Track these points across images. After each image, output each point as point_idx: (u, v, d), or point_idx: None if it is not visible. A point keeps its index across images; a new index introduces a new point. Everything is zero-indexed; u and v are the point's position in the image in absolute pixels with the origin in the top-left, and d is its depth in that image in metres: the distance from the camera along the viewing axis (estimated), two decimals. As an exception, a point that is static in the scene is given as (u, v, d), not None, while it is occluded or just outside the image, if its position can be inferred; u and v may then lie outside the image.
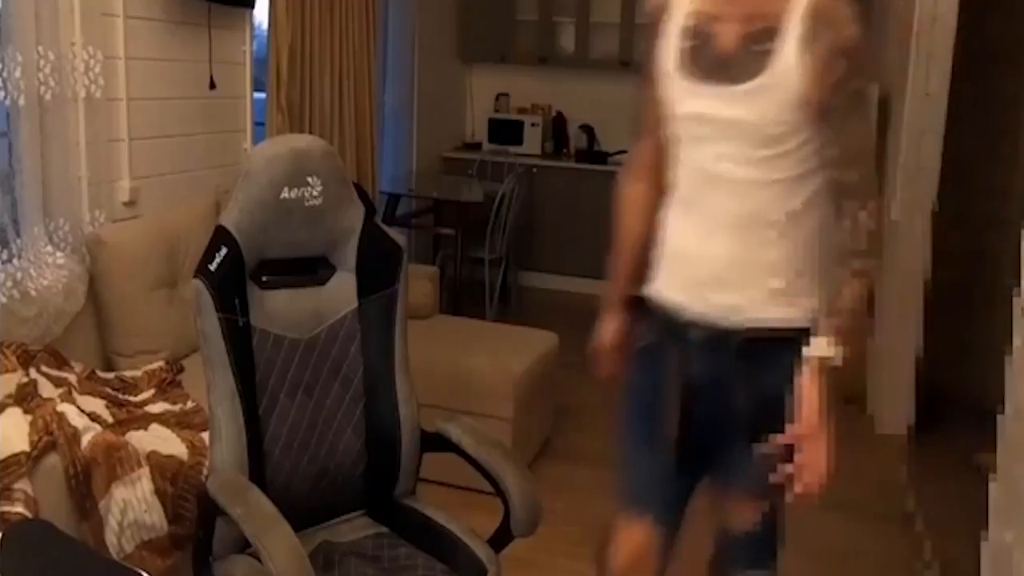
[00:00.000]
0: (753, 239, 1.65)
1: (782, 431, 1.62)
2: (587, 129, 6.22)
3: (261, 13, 4.06)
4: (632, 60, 6.09)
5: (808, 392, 1.60)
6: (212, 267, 1.87)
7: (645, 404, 1.84)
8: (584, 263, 6.04)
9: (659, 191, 1.83)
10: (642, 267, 1.86)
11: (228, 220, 1.91)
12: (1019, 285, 2.12)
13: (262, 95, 4.07)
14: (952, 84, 3.77)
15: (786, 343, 1.63)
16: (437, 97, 6.28)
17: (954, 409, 4.06)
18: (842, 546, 3.18)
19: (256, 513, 1.73)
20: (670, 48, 1.71)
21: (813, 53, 1.55)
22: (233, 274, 1.90)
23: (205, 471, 2.41)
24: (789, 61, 1.56)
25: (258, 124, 4.09)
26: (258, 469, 1.93)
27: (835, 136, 1.60)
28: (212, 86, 3.70)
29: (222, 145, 3.85)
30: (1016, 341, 2.17)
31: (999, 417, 2.24)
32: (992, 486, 2.27)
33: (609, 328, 1.98)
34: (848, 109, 1.59)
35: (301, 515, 1.92)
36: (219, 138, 3.82)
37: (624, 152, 6.14)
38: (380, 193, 4.98)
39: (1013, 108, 4.11)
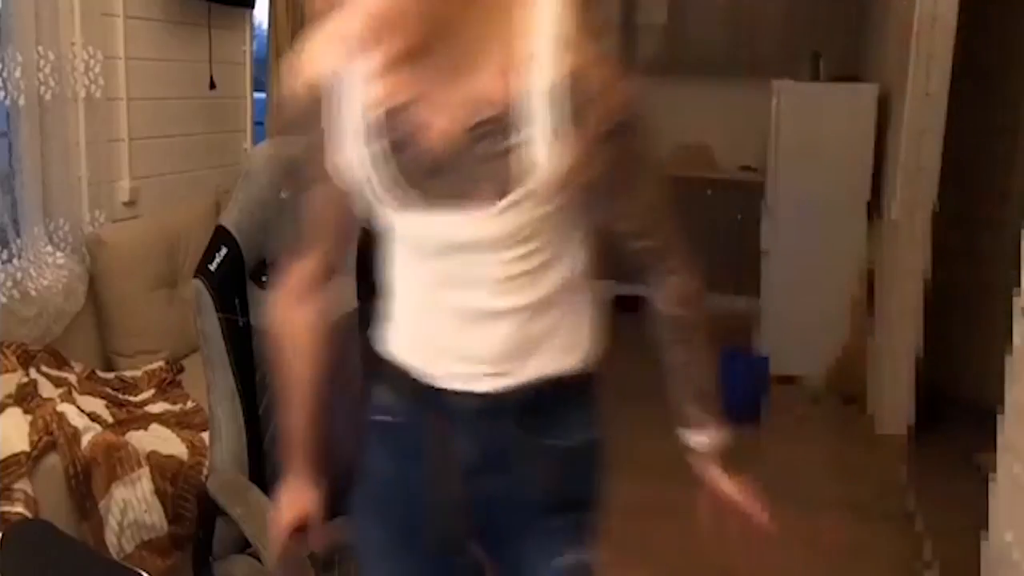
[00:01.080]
0: (519, 324, 1.26)
1: (587, 498, 1.37)
2: (587, 129, 6.22)
3: (261, 13, 4.06)
4: (632, 60, 6.08)
5: (719, 481, 1.38)
6: (212, 267, 1.86)
7: (390, 501, 1.39)
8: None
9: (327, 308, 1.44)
10: (325, 410, 1.46)
11: (228, 220, 1.91)
12: (1019, 285, 2.12)
13: (262, 95, 4.08)
14: (952, 84, 3.77)
15: (573, 389, 1.33)
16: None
17: (954, 409, 4.05)
18: (842, 545, 3.18)
19: (256, 513, 1.73)
20: (355, 146, 1.22)
21: (575, 142, 1.12)
22: (233, 274, 1.89)
23: (205, 471, 2.40)
24: (543, 163, 1.13)
25: (258, 124, 4.10)
26: (258, 469, 1.93)
27: (621, 209, 1.25)
28: (212, 86, 3.70)
29: (222, 145, 3.85)
30: (1016, 341, 2.16)
31: (999, 417, 2.24)
32: (992, 486, 2.27)
33: (290, 499, 1.46)
34: (632, 181, 1.22)
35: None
36: (219, 138, 3.83)
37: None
38: (380, 193, 4.99)
39: (1013, 108, 4.11)
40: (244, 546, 1.87)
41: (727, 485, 1.37)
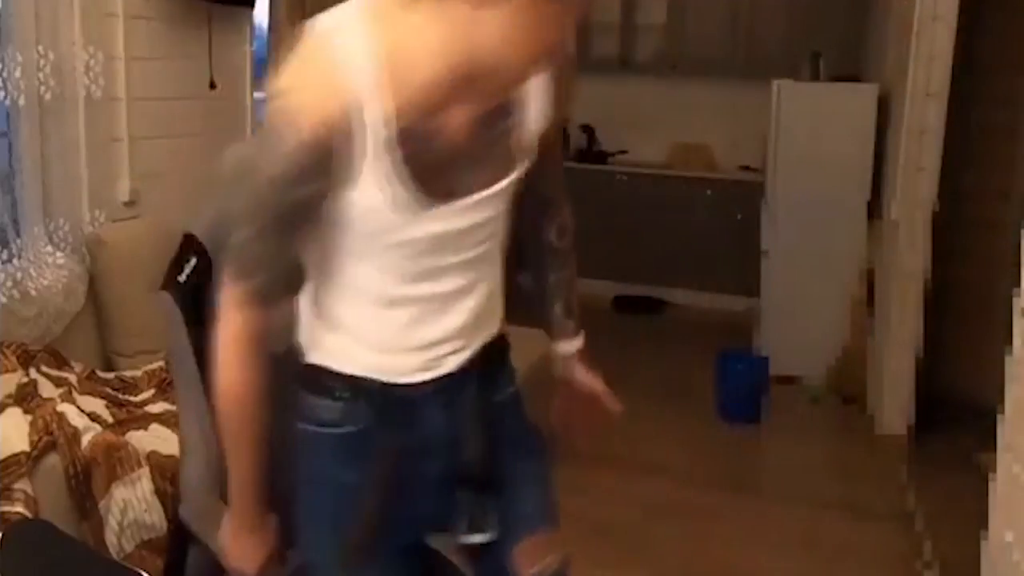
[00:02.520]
0: (478, 296, 1.37)
1: (536, 434, 1.54)
2: (587, 129, 6.21)
3: (261, 13, 4.06)
4: (632, 60, 6.09)
5: (581, 373, 1.64)
6: (181, 279, 1.71)
7: (352, 508, 1.36)
8: (583, 263, 6.00)
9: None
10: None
11: (198, 227, 1.74)
12: (1019, 285, 2.12)
13: (262, 95, 4.07)
14: (952, 83, 3.77)
15: (502, 346, 1.50)
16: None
17: (954, 409, 4.05)
18: (842, 545, 3.18)
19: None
20: (373, 173, 1.16)
21: (555, 98, 1.28)
22: (204, 286, 1.61)
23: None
24: (532, 130, 1.27)
25: (258, 124, 4.10)
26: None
27: (544, 165, 1.38)
28: (212, 86, 3.70)
29: (222, 145, 3.84)
30: (1016, 341, 2.16)
31: (999, 417, 2.24)
32: (992, 486, 2.27)
33: (255, 542, 1.43)
34: (565, 107, 1.36)
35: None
36: (219, 138, 3.82)
37: (624, 152, 6.14)
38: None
39: (1013, 108, 4.11)
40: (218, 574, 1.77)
41: (587, 375, 1.62)
